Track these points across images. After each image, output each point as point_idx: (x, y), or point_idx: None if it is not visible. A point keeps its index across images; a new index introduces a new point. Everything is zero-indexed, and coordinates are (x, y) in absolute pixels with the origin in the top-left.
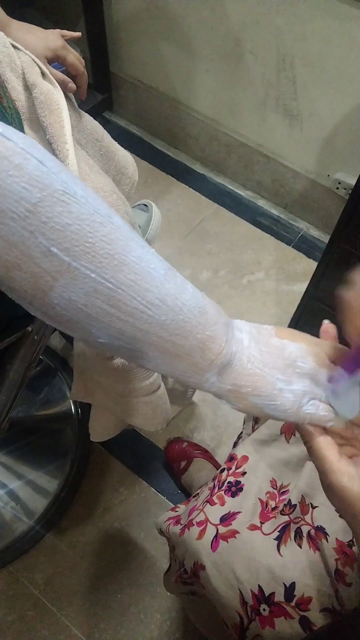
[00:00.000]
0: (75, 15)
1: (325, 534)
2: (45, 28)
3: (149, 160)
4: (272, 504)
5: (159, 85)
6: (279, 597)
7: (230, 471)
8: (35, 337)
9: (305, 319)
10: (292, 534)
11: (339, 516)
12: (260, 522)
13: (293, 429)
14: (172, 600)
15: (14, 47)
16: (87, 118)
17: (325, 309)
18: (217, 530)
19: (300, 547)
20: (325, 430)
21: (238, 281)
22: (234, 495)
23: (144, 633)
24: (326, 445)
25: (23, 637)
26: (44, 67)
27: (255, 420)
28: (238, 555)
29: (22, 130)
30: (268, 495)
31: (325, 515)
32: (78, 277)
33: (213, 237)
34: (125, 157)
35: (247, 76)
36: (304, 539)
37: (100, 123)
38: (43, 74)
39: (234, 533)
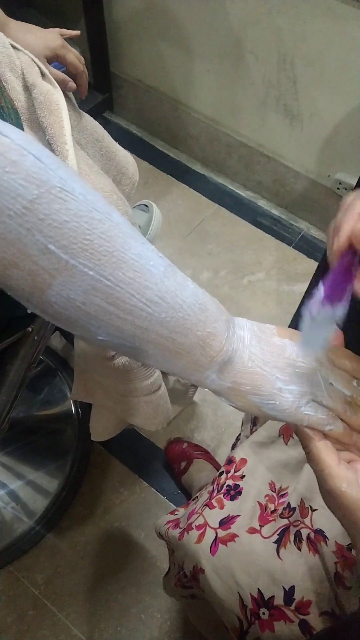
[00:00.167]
0: (75, 15)
1: (325, 537)
2: (45, 28)
3: (150, 160)
4: (272, 507)
5: (160, 85)
6: (279, 600)
7: (229, 474)
8: (36, 338)
9: None
10: (292, 537)
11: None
12: (260, 525)
13: (291, 431)
14: (172, 601)
15: (14, 47)
16: (88, 118)
17: None
18: (217, 533)
19: (300, 550)
20: (325, 435)
21: (239, 281)
22: (232, 498)
23: (144, 633)
24: (325, 450)
25: (23, 637)
26: (43, 67)
27: (254, 422)
28: (237, 559)
29: (22, 130)
30: (267, 498)
31: (324, 518)
32: (76, 274)
33: (213, 238)
34: (126, 158)
35: (247, 76)
36: (304, 542)
37: (100, 123)
38: (42, 74)
39: (233, 537)
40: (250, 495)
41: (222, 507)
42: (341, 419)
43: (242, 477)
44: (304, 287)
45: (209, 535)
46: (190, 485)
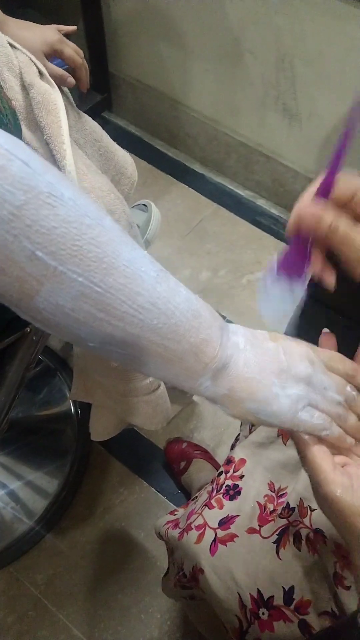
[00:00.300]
0: (73, 16)
1: (324, 537)
2: None
3: (148, 160)
4: (271, 507)
5: (158, 85)
6: (278, 600)
7: (228, 474)
8: (34, 338)
9: (304, 319)
10: (291, 537)
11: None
12: (259, 525)
13: None
14: (172, 601)
15: (12, 46)
16: (86, 118)
17: (324, 309)
18: (216, 534)
19: (299, 550)
20: (320, 440)
21: (238, 281)
22: (232, 498)
23: (144, 633)
24: (321, 455)
25: (24, 637)
26: (41, 67)
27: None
28: (237, 559)
29: (19, 130)
30: (266, 498)
31: (323, 518)
32: (65, 281)
33: (212, 237)
34: (124, 158)
35: (246, 76)
36: (303, 542)
37: (99, 123)
38: (40, 74)
39: (232, 537)
40: (249, 495)
41: (221, 507)
42: (337, 424)
43: (241, 477)
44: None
45: (209, 536)
46: (190, 485)
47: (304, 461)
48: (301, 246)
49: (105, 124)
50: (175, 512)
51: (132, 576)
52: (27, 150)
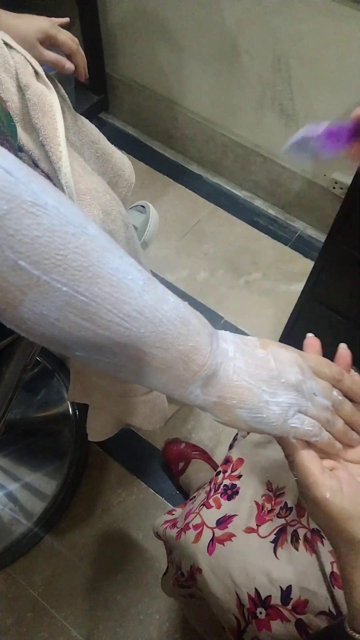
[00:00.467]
0: (70, 17)
1: (321, 537)
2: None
3: (146, 161)
4: (268, 506)
5: (155, 86)
6: (276, 600)
7: (226, 474)
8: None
9: (302, 319)
10: (289, 537)
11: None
12: (257, 525)
13: None
14: (171, 601)
15: (8, 46)
16: (83, 120)
17: (322, 309)
18: (214, 533)
19: (297, 550)
20: (308, 444)
21: (235, 282)
22: (230, 498)
23: (143, 634)
24: (310, 459)
25: (22, 639)
26: (37, 67)
27: None
28: (234, 558)
29: (13, 131)
30: (264, 498)
31: None
32: (49, 291)
33: (210, 238)
34: (122, 160)
35: (243, 76)
36: (300, 541)
37: (96, 124)
38: (37, 74)
39: (230, 536)
40: (247, 495)
41: (219, 507)
42: (325, 429)
43: (239, 476)
44: (300, 286)
45: (206, 535)
46: (188, 486)
47: (293, 465)
48: (353, 130)
49: (102, 125)
50: (173, 512)
51: (131, 577)
52: (11, 158)
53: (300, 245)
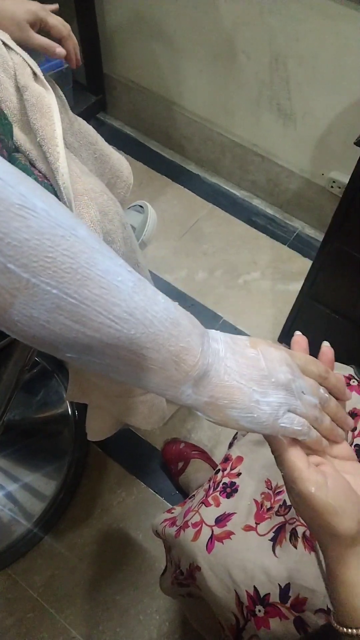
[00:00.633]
0: (68, 17)
1: None
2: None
3: (144, 161)
4: (267, 504)
5: (153, 86)
6: (274, 598)
7: (225, 472)
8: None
9: (301, 318)
10: (287, 535)
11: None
12: (256, 523)
13: None
14: (170, 601)
15: (7, 46)
16: (80, 121)
17: (320, 308)
18: (213, 531)
19: (296, 547)
20: (295, 440)
21: (234, 281)
22: (229, 496)
23: (143, 634)
24: (296, 454)
25: (22, 639)
26: (36, 68)
27: None
28: (233, 556)
29: (8, 129)
30: (263, 496)
31: None
32: (38, 293)
33: (208, 238)
34: (120, 161)
35: (240, 76)
36: (299, 539)
37: (94, 125)
38: (35, 76)
39: (229, 534)
40: (246, 492)
41: (218, 505)
42: (313, 427)
43: (239, 474)
44: (299, 285)
45: (205, 533)
46: (188, 486)
47: (278, 460)
48: None
49: (100, 126)
50: (173, 510)
51: (131, 577)
52: (0, 161)
53: (299, 244)
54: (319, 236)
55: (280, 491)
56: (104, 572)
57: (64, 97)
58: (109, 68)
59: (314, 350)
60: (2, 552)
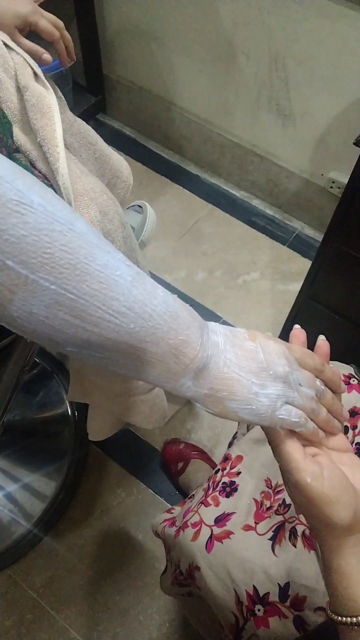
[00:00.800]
0: (67, 18)
1: None
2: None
3: (143, 161)
4: (267, 503)
5: (152, 86)
6: (274, 597)
7: (225, 471)
8: (28, 340)
9: (301, 318)
10: (287, 534)
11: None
12: (255, 522)
13: None
14: (171, 602)
15: (7, 47)
16: (80, 122)
17: (320, 308)
18: (212, 531)
19: (295, 546)
20: (292, 431)
21: (234, 281)
22: (228, 495)
23: (143, 635)
24: (292, 445)
25: None
26: (36, 68)
27: None
28: (233, 556)
29: (7, 128)
30: (263, 495)
31: None
32: (37, 289)
33: (208, 238)
34: (119, 161)
35: (239, 77)
36: (299, 538)
37: (93, 125)
38: (36, 76)
39: (228, 534)
40: (246, 491)
41: (217, 505)
42: (310, 418)
43: (238, 473)
44: (298, 286)
45: (205, 533)
46: (188, 486)
47: (275, 451)
48: None
49: (99, 126)
50: (172, 511)
51: (131, 578)
52: None
53: (298, 244)
54: (319, 236)
55: (280, 490)
56: (103, 573)
57: (63, 98)
58: (108, 69)
59: (312, 348)
60: (2, 553)
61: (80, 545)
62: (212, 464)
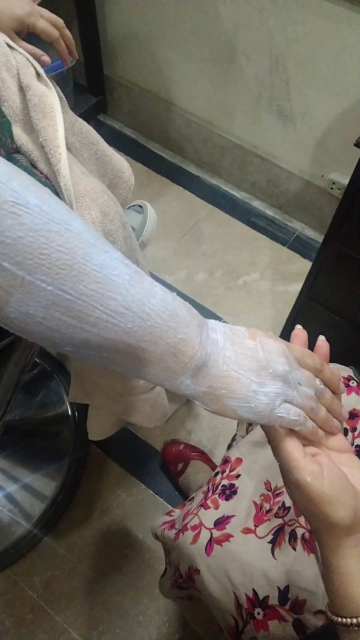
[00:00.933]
0: (68, 19)
1: None
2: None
3: (144, 162)
4: (267, 506)
5: (153, 87)
6: (273, 600)
7: (224, 474)
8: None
9: (301, 319)
10: (287, 537)
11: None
12: (255, 525)
13: None
14: (170, 603)
15: (9, 46)
16: (81, 122)
17: (320, 309)
18: (211, 534)
19: (295, 549)
20: (291, 430)
21: (234, 282)
22: (228, 498)
23: (143, 635)
24: (292, 444)
25: None
26: (39, 68)
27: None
28: (232, 559)
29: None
30: (262, 497)
31: None
32: (34, 290)
33: (208, 239)
34: (121, 162)
35: (240, 78)
36: (298, 541)
37: (94, 126)
38: (38, 75)
39: (228, 537)
40: (245, 494)
41: (217, 508)
42: (309, 417)
43: (238, 476)
44: (298, 287)
45: (204, 536)
46: (188, 487)
47: (275, 450)
48: None
49: (100, 127)
50: (172, 513)
51: (130, 578)
52: None
53: (298, 245)
54: (319, 237)
55: (280, 493)
56: (103, 573)
57: (64, 98)
58: (109, 69)
59: (312, 349)
60: (2, 553)
61: (80, 546)
62: (212, 465)
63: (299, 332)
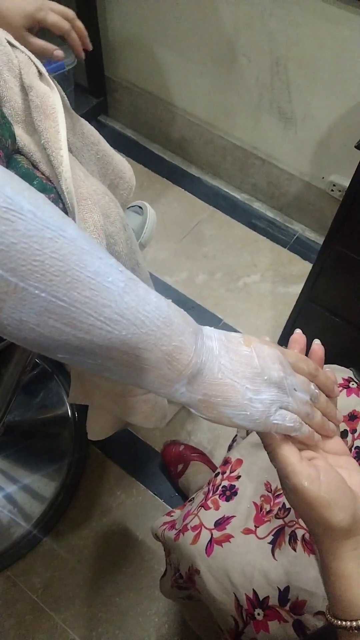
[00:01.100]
0: None
1: None
2: (39, 35)
3: (145, 163)
4: (267, 507)
5: (154, 89)
6: (273, 601)
7: (225, 475)
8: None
9: (301, 321)
10: (287, 538)
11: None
12: (255, 526)
13: None
14: (170, 603)
15: (11, 45)
16: (83, 122)
17: (321, 311)
18: (212, 534)
19: (295, 550)
20: (287, 436)
21: (234, 284)
22: (228, 499)
23: (142, 636)
24: (288, 449)
25: None
26: (41, 68)
27: None
28: (233, 559)
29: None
30: (262, 498)
31: None
32: (27, 297)
33: (209, 240)
34: (122, 162)
35: (241, 79)
36: (299, 542)
37: (95, 127)
38: (40, 74)
39: (228, 537)
40: (245, 495)
41: (217, 508)
42: (305, 422)
43: (238, 477)
44: (299, 288)
45: (204, 536)
46: (188, 488)
47: (272, 455)
48: None
49: (101, 128)
50: (172, 513)
51: (130, 579)
52: None
53: (299, 247)
54: (319, 239)
55: (280, 494)
56: (103, 574)
57: (66, 98)
58: (110, 71)
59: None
60: (2, 554)
61: (79, 547)
62: (212, 466)
63: (298, 337)
